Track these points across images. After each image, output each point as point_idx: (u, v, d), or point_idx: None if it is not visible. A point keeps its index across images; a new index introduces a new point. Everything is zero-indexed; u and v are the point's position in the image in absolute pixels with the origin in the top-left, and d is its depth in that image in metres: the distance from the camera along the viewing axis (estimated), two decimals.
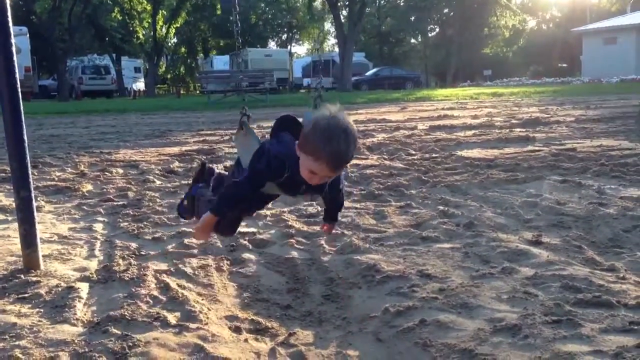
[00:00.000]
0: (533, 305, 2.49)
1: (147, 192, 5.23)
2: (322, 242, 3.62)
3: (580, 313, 2.38)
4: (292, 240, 3.70)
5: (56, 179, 6.01)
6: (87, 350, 2.19)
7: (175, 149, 8.40)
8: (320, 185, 2.38)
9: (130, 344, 2.23)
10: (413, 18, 57.85)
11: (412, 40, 65.65)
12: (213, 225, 2.52)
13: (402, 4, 59.84)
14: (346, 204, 4.61)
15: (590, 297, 2.53)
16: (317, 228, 3.85)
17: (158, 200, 4.91)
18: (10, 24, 2.97)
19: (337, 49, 45.86)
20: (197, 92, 45.92)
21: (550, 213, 4.11)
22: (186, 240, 3.70)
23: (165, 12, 45.04)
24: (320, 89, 3.38)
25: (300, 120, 2.44)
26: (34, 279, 2.95)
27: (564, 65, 55.53)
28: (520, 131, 9.30)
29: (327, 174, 2.23)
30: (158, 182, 5.77)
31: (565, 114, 12.54)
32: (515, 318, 2.35)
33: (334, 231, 3.14)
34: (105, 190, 5.42)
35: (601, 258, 3.17)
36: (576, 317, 2.33)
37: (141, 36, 44.57)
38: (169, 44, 58.28)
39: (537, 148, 7.44)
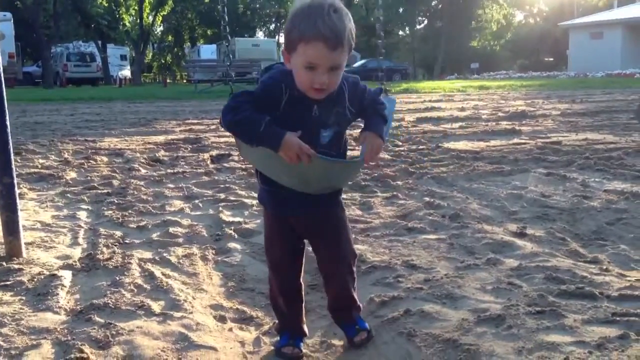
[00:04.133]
0: (517, 296, 2.51)
1: (132, 180, 5.19)
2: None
3: (564, 304, 2.40)
4: None
5: (40, 166, 5.95)
6: (69, 338, 2.17)
7: (161, 138, 8.34)
8: (334, 100, 1.94)
9: (114, 332, 2.21)
10: (401, 10, 57.82)
11: (400, 33, 65.66)
12: (293, 141, 1.84)
13: None
14: None
15: (574, 288, 2.55)
16: None
17: (143, 188, 4.87)
18: None
19: None
20: (184, 81, 45.60)
21: (535, 205, 4.14)
22: (171, 229, 3.67)
23: (152, 0, 44.62)
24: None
25: None
26: (16, 266, 2.92)
27: (551, 59, 55.80)
28: (506, 124, 9.34)
29: (325, 58, 1.80)
30: (143, 171, 5.73)
31: (551, 108, 12.61)
32: (499, 309, 2.36)
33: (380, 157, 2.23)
34: (89, 178, 5.37)
35: (585, 250, 3.19)
36: (559, 308, 2.34)
37: (127, 24, 44.20)
38: (156, 32, 57.80)
39: (522, 141, 7.48)
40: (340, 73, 1.90)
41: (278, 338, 2.25)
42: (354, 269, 2.24)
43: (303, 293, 2.25)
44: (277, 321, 2.31)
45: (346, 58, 1.87)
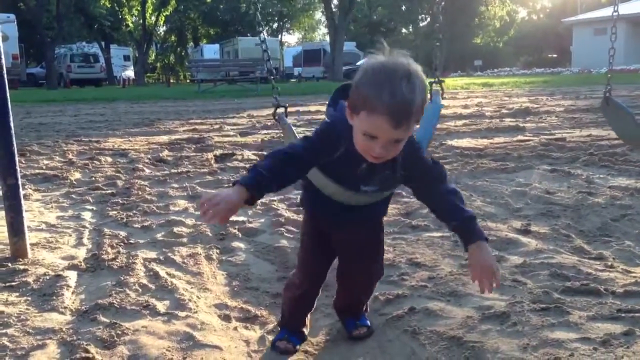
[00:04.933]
0: (521, 293, 2.51)
1: (136, 180, 5.20)
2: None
3: (568, 301, 2.40)
4: (281, 228, 3.69)
5: (44, 167, 5.96)
6: (75, 338, 2.18)
7: (164, 138, 8.35)
8: (387, 165, 1.83)
9: (119, 332, 2.22)
10: (404, 7, 57.78)
11: (403, 30, 65.59)
12: (234, 201, 1.65)
13: None
14: None
15: (578, 285, 2.55)
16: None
17: (147, 189, 4.88)
18: None
19: (327, 38, 45.80)
20: (187, 81, 45.66)
21: (539, 202, 4.13)
22: (175, 229, 3.68)
23: (154, 0, 44.68)
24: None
25: None
26: (22, 267, 2.93)
27: (554, 55, 55.63)
28: (510, 121, 9.32)
29: (387, 133, 1.64)
30: (147, 171, 5.73)
31: (555, 104, 12.58)
32: (503, 306, 2.36)
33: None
34: (93, 178, 5.38)
35: (589, 246, 3.18)
36: (564, 305, 2.34)
37: (130, 24, 44.31)
38: (159, 32, 57.89)
39: (527, 138, 7.46)
40: (402, 144, 1.74)
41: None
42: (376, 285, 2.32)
43: (315, 302, 2.29)
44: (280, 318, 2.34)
45: (412, 130, 1.72)
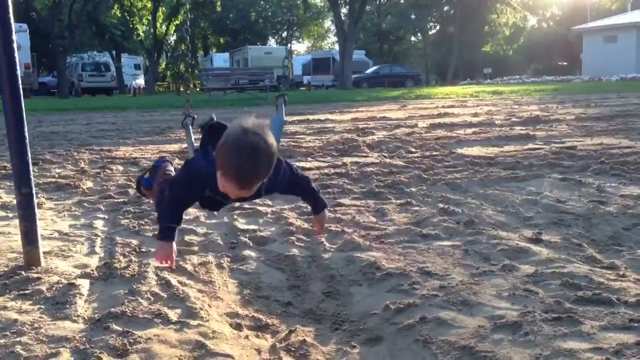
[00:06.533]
0: (533, 302, 2.50)
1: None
2: (323, 239, 3.61)
3: (581, 310, 2.39)
4: (292, 237, 3.70)
5: (57, 175, 6.01)
6: (88, 346, 2.19)
7: (175, 146, 8.39)
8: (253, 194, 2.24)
9: (131, 340, 2.23)
10: (413, 16, 57.89)
11: (412, 38, 65.66)
12: (170, 249, 2.49)
13: (402, 1, 59.91)
14: (347, 201, 4.61)
15: (590, 294, 2.54)
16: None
17: None
18: (12, 20, 2.97)
19: (337, 47, 45.95)
20: (197, 89, 45.90)
21: (550, 211, 4.12)
22: (187, 237, 3.70)
23: (164, 9, 45.00)
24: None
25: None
26: (35, 275, 2.95)
27: (564, 63, 55.46)
28: (520, 129, 9.30)
29: (236, 192, 2.11)
30: None
31: (565, 112, 12.53)
32: (515, 315, 2.36)
33: (325, 227, 2.76)
34: (105, 187, 5.42)
35: (601, 256, 3.17)
36: (576, 315, 2.33)
37: (141, 33, 44.57)
38: (169, 41, 58.25)
39: (537, 146, 7.44)
40: (254, 190, 2.15)
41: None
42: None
43: None
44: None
45: (257, 186, 2.13)
